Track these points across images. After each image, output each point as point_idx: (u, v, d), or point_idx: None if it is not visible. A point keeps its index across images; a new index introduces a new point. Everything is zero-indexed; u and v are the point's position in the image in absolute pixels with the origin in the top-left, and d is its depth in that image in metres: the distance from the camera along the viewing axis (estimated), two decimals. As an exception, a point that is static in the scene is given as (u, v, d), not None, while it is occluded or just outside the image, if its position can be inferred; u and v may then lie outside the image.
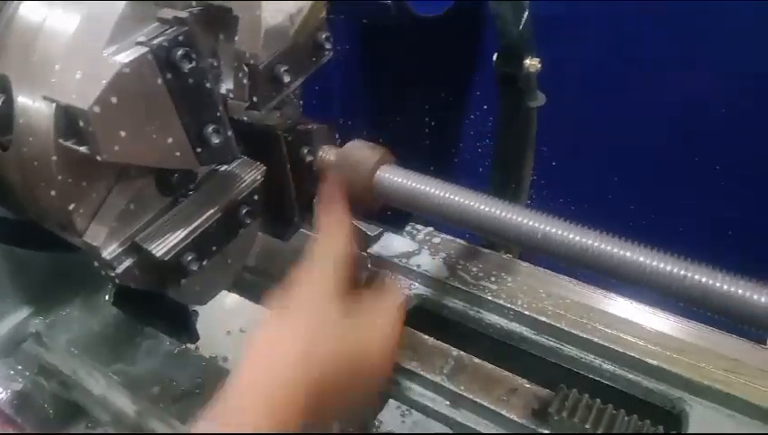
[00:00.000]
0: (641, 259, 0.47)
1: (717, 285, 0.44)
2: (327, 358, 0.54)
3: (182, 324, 0.94)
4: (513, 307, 0.77)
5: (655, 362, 0.70)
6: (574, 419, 0.62)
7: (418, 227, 0.93)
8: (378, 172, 0.62)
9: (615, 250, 0.48)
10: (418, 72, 1.27)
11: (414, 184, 0.60)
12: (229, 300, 1.50)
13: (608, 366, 0.72)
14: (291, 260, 1.02)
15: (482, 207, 0.55)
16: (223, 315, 1.46)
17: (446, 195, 0.58)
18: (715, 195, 1.17)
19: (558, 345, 0.74)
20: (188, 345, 0.98)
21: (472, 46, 1.18)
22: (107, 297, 0.98)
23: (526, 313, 0.76)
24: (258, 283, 1.04)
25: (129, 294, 0.87)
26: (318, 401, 0.52)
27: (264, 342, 0.55)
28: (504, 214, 0.54)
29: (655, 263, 0.46)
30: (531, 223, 0.52)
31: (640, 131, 1.17)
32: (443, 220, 0.60)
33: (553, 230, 0.51)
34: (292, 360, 0.52)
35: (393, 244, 0.89)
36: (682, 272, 0.45)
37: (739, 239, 1.20)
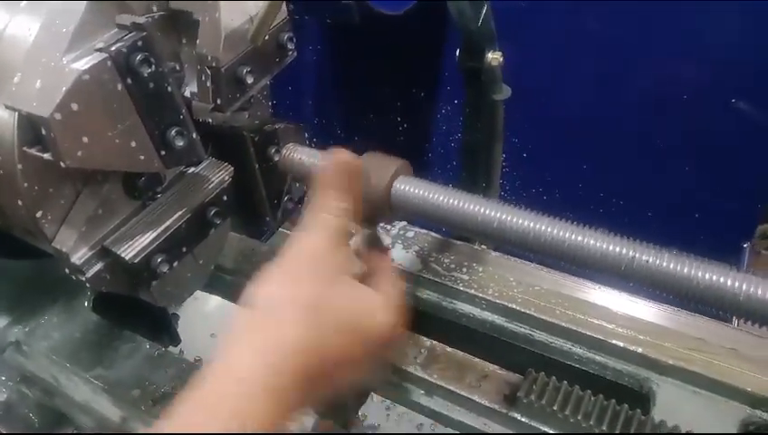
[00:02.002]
0: (593, 243, 0.48)
1: (663, 264, 0.45)
2: (329, 317, 0.49)
3: (162, 328, 0.95)
4: (484, 296, 0.78)
5: (622, 344, 0.71)
6: (542, 401, 0.63)
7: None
8: (395, 184, 0.61)
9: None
10: (389, 70, 1.29)
11: (432, 195, 0.59)
12: (213, 303, 1.51)
13: (577, 350, 0.73)
14: (269, 260, 1.03)
15: (505, 217, 0.54)
16: (206, 318, 1.47)
17: (467, 205, 0.57)
18: (682, 180, 1.20)
19: (529, 332, 0.76)
20: (171, 349, 0.98)
21: (440, 42, 1.19)
22: (86, 303, 0.98)
23: (497, 301, 0.77)
24: (240, 285, 1.05)
25: (108, 299, 0.88)
26: (320, 363, 0.48)
27: (263, 301, 0.50)
28: (526, 223, 0.53)
29: (605, 245, 0.48)
30: (555, 231, 0.51)
31: (608, 120, 1.20)
32: (464, 232, 0.58)
33: (584, 240, 0.50)
34: (292, 321, 0.48)
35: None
36: (630, 253, 0.46)
37: (707, 223, 1.23)
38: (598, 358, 0.72)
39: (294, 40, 0.70)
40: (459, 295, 0.80)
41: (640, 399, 0.71)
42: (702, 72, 1.10)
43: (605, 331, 0.73)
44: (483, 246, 0.91)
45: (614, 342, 0.72)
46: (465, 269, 0.83)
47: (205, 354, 1.39)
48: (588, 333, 0.73)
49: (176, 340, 0.97)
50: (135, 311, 0.85)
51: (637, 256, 0.46)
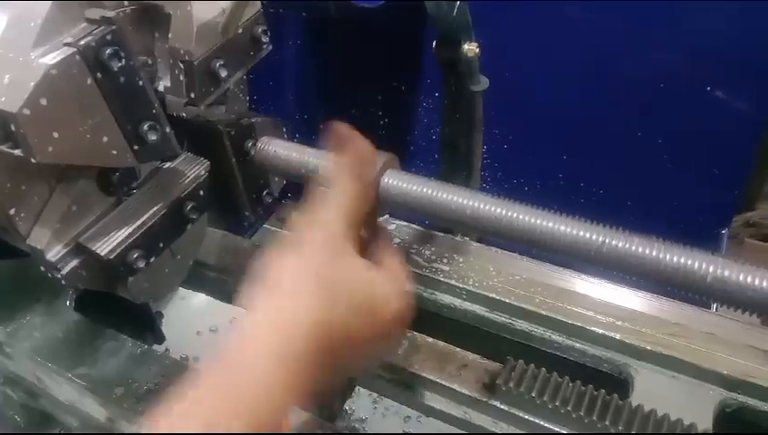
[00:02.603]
0: (564, 229, 0.49)
1: (632, 248, 0.46)
2: (345, 295, 0.49)
3: (146, 326, 0.95)
4: (465, 287, 0.79)
5: (600, 331, 0.72)
6: (521, 388, 0.64)
7: (374, 215, 0.94)
8: (383, 178, 0.60)
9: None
10: (369, 64, 1.29)
11: (423, 189, 0.58)
12: (197, 300, 1.51)
13: (557, 337, 0.74)
14: (254, 257, 1.03)
15: (496, 209, 0.54)
16: (192, 316, 1.47)
17: (459, 199, 0.56)
18: (660, 168, 1.21)
19: (509, 321, 0.76)
20: (156, 347, 0.98)
21: (418, 34, 1.20)
22: (68, 303, 0.98)
23: (477, 291, 0.78)
24: (223, 281, 1.05)
25: (90, 298, 0.87)
26: (334, 338, 0.47)
27: (280, 273, 0.49)
28: (517, 215, 0.52)
29: (575, 231, 0.48)
30: (549, 224, 0.51)
31: (587, 110, 1.20)
32: (456, 226, 0.57)
33: (571, 231, 0.49)
34: (309, 293, 0.47)
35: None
36: (600, 238, 0.47)
37: (685, 211, 1.24)
38: (577, 345, 0.73)
39: (269, 33, 0.69)
40: (440, 286, 0.80)
41: (620, 384, 0.71)
42: (678, 62, 1.11)
43: (584, 318, 0.74)
44: (464, 238, 0.91)
45: (593, 329, 0.72)
46: (445, 260, 0.83)
47: (191, 352, 1.39)
48: (567, 320, 0.74)
49: (160, 338, 0.97)
50: (118, 310, 0.85)
51: (606, 240, 0.47)
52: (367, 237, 0.60)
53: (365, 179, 0.58)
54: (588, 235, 0.47)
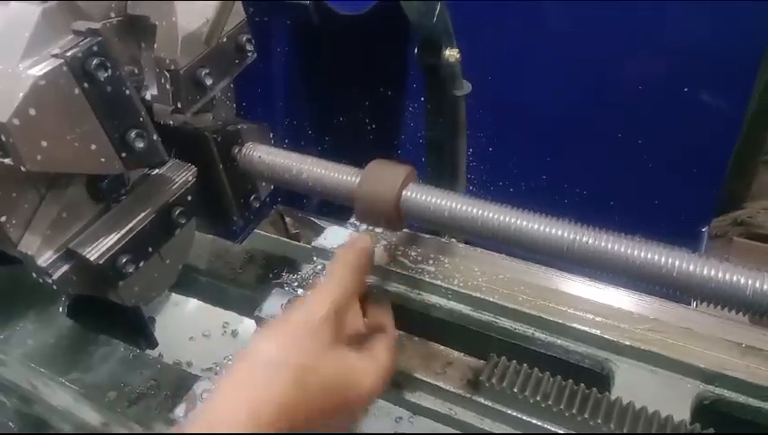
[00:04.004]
0: (537, 227, 0.50)
1: (602, 245, 0.48)
2: (318, 381, 0.54)
3: (139, 331, 0.96)
4: (449, 286, 0.80)
5: (582, 328, 0.74)
6: (503, 384, 0.65)
7: (362, 218, 0.95)
8: (404, 193, 0.61)
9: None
10: (356, 70, 1.31)
11: (445, 202, 0.59)
12: (190, 306, 1.52)
13: (540, 335, 0.76)
14: (245, 262, 1.04)
15: (520, 222, 0.54)
16: (185, 322, 1.48)
17: (481, 212, 0.57)
18: (641, 168, 1.23)
19: (493, 319, 0.78)
20: (150, 352, 1.00)
21: (403, 40, 1.22)
22: (60, 309, 0.99)
23: (462, 290, 0.79)
24: (215, 286, 1.06)
25: (83, 304, 0.88)
26: (304, 419, 0.52)
27: (260, 357, 0.54)
28: (542, 228, 0.53)
29: (548, 229, 0.50)
30: (571, 236, 0.52)
31: (569, 112, 1.23)
32: (480, 239, 0.59)
33: (529, 225, 0.51)
34: (283, 379, 0.52)
35: (337, 236, 0.91)
36: (571, 235, 0.49)
37: (666, 210, 1.26)
38: (559, 342, 0.75)
39: (253, 41, 0.71)
40: (426, 286, 0.82)
41: (602, 379, 0.73)
42: (658, 63, 1.13)
43: (566, 315, 0.75)
44: (451, 239, 0.93)
45: (574, 325, 0.74)
46: (431, 261, 0.85)
47: (184, 358, 1.41)
48: (550, 318, 0.75)
49: (153, 343, 0.98)
50: (111, 315, 0.86)
51: (577, 237, 0.48)
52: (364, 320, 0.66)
53: (362, 272, 0.64)
54: (560, 232, 0.49)
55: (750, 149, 1.30)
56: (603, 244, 0.50)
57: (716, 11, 1.08)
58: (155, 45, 0.63)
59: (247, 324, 1.35)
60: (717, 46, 1.09)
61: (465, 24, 0.94)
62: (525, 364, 0.66)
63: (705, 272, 0.44)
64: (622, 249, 0.50)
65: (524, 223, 0.56)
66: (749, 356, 0.70)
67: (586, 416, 0.62)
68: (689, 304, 0.87)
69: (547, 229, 0.53)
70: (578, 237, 0.52)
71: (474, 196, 0.61)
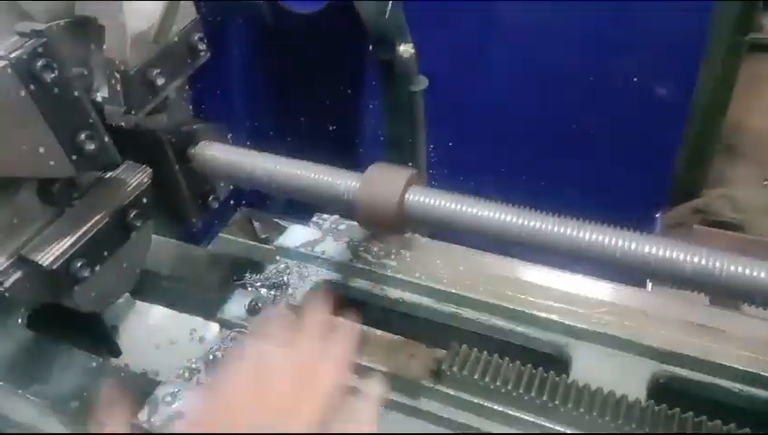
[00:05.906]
0: (492, 214, 0.51)
1: (549, 228, 0.49)
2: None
3: (101, 340, 0.95)
4: (411, 280, 0.81)
5: (539, 314, 0.75)
6: (464, 371, 0.66)
7: (324, 216, 0.96)
8: (407, 196, 0.60)
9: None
10: (315, 69, 1.31)
11: (449, 204, 0.58)
12: (156, 313, 1.50)
13: (501, 323, 0.77)
14: (209, 266, 1.04)
15: (525, 222, 0.54)
16: (150, 329, 1.45)
17: (488, 214, 0.56)
18: (597, 159, 1.26)
19: (455, 310, 0.79)
20: (115, 361, 0.98)
21: (361, 38, 1.22)
22: (19, 320, 0.97)
23: (424, 283, 0.80)
24: (181, 291, 1.05)
25: (42, 314, 0.87)
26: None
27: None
28: (549, 227, 0.53)
29: (502, 216, 0.51)
30: (577, 233, 0.51)
31: (526, 106, 1.25)
32: (486, 241, 0.58)
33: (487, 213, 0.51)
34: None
35: (299, 234, 0.92)
36: (521, 220, 0.50)
37: (622, 198, 1.30)
38: (520, 329, 0.76)
39: (206, 41, 0.71)
40: (388, 281, 0.83)
41: (562, 363, 0.75)
42: (606, 57, 1.16)
43: (525, 303, 0.77)
44: (413, 234, 0.94)
45: (533, 312, 0.75)
46: (393, 256, 0.85)
47: (150, 367, 1.38)
48: (509, 306, 0.77)
49: (115, 351, 0.97)
50: (72, 325, 0.85)
51: (526, 222, 0.50)
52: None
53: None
54: (511, 218, 0.50)
55: (706, 139, 1.35)
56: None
57: (661, 5, 1.12)
58: (104, 47, 0.63)
59: (215, 330, 1.33)
60: (662, 36, 1.12)
61: (422, 22, 0.95)
62: (485, 352, 0.67)
63: (646, 249, 0.46)
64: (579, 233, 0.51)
65: (533, 223, 0.54)
66: (702, 335, 0.72)
67: (545, 398, 0.64)
68: (645, 287, 0.89)
69: (564, 230, 0.52)
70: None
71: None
